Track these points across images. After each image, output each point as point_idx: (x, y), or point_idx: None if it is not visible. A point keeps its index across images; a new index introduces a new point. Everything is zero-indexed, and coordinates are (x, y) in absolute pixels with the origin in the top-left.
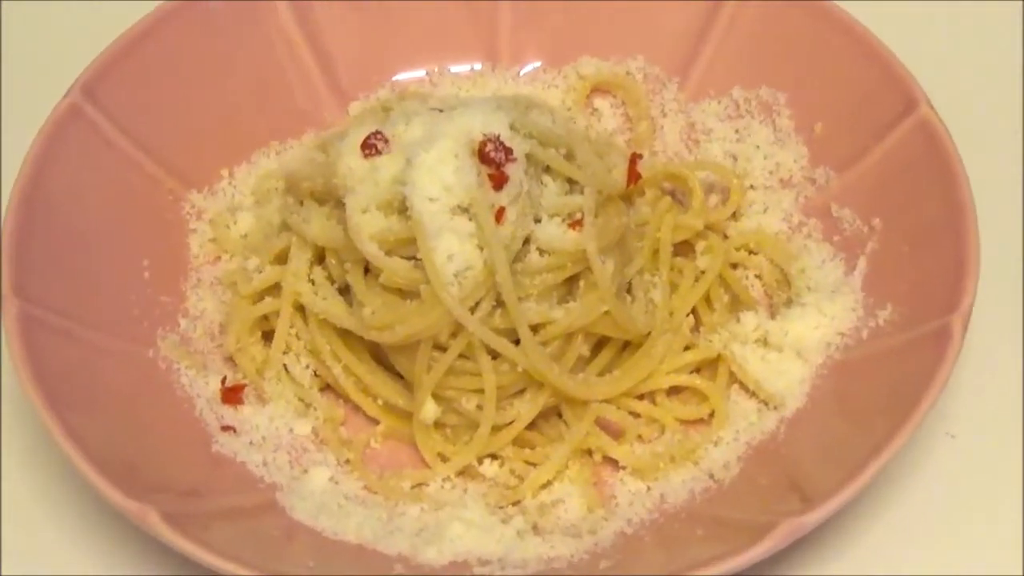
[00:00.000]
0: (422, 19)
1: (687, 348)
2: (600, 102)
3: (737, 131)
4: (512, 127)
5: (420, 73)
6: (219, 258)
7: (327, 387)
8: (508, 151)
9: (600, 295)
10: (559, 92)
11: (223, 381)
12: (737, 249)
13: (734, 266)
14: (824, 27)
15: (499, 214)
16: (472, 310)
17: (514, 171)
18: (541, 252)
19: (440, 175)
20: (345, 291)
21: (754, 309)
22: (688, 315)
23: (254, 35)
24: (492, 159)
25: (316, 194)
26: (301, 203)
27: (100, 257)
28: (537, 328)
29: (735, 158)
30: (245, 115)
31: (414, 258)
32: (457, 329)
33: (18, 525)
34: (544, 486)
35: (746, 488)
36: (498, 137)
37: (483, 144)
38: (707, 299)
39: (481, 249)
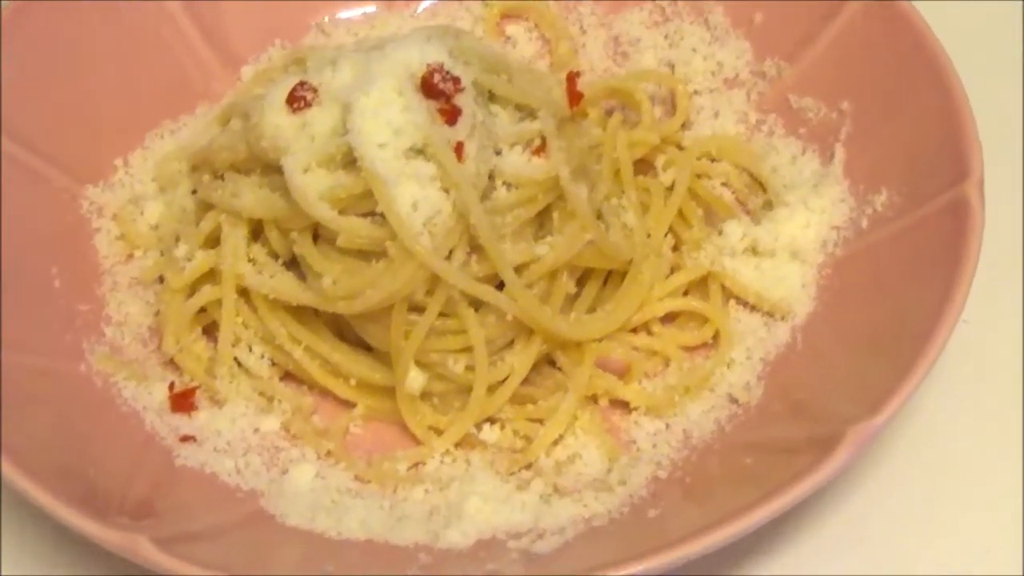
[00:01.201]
0: None
1: (673, 271)
2: (513, 28)
3: (667, 36)
4: (451, 55)
5: (308, 28)
6: (131, 255)
7: (289, 375)
8: (456, 80)
9: (581, 223)
10: (466, 24)
11: (170, 388)
12: (698, 159)
13: (698, 177)
14: None
15: (458, 150)
16: (447, 260)
17: (465, 102)
18: (508, 186)
19: (386, 117)
20: (292, 265)
21: (736, 217)
22: (666, 235)
23: (127, 9)
24: (440, 91)
25: (238, 165)
26: (221, 177)
27: (3, 272)
28: (520, 269)
29: (672, 66)
30: (130, 96)
31: (372, 214)
32: (433, 285)
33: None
34: (556, 442)
35: (780, 407)
36: (442, 66)
37: (428, 76)
38: (682, 215)
39: (447, 191)
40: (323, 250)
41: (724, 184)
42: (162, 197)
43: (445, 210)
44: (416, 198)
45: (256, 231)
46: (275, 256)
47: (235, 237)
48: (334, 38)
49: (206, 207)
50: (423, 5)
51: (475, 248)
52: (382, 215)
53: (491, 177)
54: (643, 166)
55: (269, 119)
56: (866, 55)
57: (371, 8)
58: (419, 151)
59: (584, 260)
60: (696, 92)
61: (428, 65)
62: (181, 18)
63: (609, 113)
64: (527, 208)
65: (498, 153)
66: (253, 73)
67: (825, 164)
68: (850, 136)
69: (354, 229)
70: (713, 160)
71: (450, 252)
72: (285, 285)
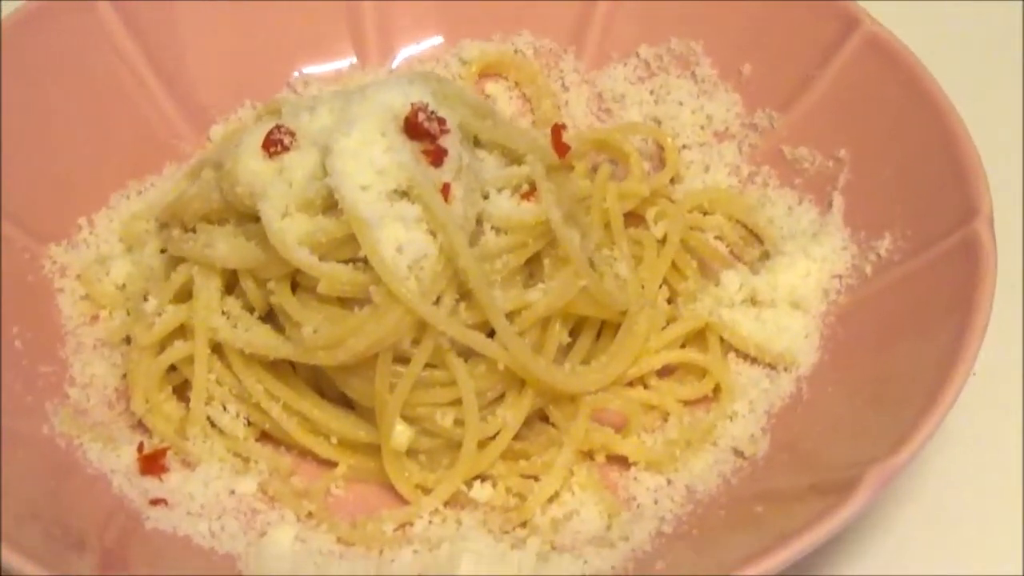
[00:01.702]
0: (275, 25)
1: (669, 323)
2: (493, 87)
3: (653, 92)
4: (434, 97)
5: (279, 86)
6: (96, 316)
7: (266, 435)
8: (441, 121)
9: (574, 268)
10: None
11: (139, 449)
12: (689, 211)
13: (691, 229)
14: None
15: (444, 192)
16: (435, 306)
17: (451, 143)
18: (497, 231)
19: (368, 158)
20: (268, 319)
21: (733, 268)
22: (660, 287)
23: (93, 67)
24: (425, 131)
25: (211, 215)
26: (192, 231)
27: None
28: (510, 318)
29: (658, 121)
30: (95, 156)
31: (354, 260)
32: (420, 333)
33: None
34: (551, 499)
35: (788, 457)
36: (427, 106)
37: (412, 116)
38: (676, 267)
39: (434, 234)
40: (302, 299)
41: (718, 237)
42: (129, 256)
43: (432, 253)
44: (401, 241)
45: (230, 284)
46: (250, 309)
47: (208, 289)
48: (308, 94)
49: (175, 264)
50: (396, 61)
51: (464, 294)
52: (365, 261)
53: (479, 222)
54: (633, 219)
55: (244, 164)
56: (861, 99)
57: (344, 64)
58: (403, 193)
59: (578, 308)
60: (685, 146)
61: (412, 104)
62: (146, 75)
63: (594, 169)
64: (517, 254)
65: (485, 197)
66: (223, 132)
67: (823, 213)
68: (849, 183)
69: (336, 275)
70: (705, 213)
71: (438, 298)
72: (261, 338)
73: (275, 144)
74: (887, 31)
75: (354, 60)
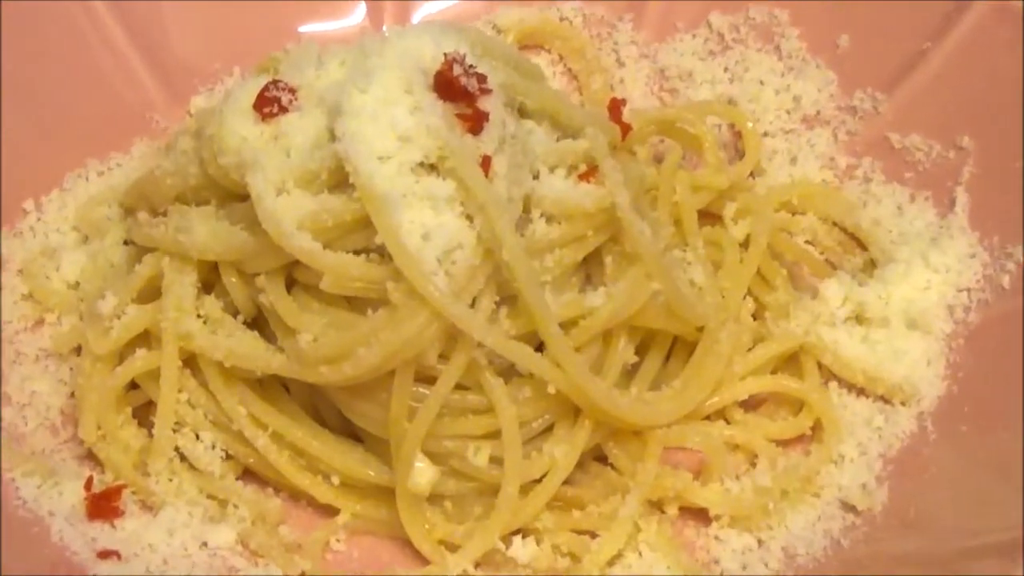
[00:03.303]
0: None
1: (756, 343)
2: (534, 60)
3: (727, 69)
4: (472, 48)
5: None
6: (41, 320)
7: (249, 472)
8: (481, 77)
9: (646, 269)
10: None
11: (87, 487)
12: (775, 210)
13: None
14: None
15: (484, 166)
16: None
17: (493, 106)
18: (549, 219)
19: (389, 120)
20: (256, 324)
21: (832, 276)
22: (744, 298)
23: (47, 22)
24: (462, 89)
25: (187, 194)
26: (162, 214)
27: None
28: (565, 327)
29: (734, 103)
30: (48, 127)
31: (368, 250)
32: (449, 344)
33: None
34: (612, 561)
35: (914, 513)
36: (464, 57)
37: (445, 69)
38: (762, 275)
39: (470, 219)
40: (300, 299)
41: (809, 242)
42: (84, 248)
43: (468, 243)
44: (428, 226)
45: (208, 280)
46: (233, 312)
47: (181, 286)
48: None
49: (140, 252)
50: (415, 21)
51: (506, 297)
52: (382, 251)
53: (526, 207)
54: (707, 218)
55: (231, 128)
56: (987, 76)
57: (354, 23)
58: (432, 166)
59: (648, 319)
60: (767, 133)
61: (445, 55)
62: (116, 36)
63: (658, 158)
64: (573, 249)
65: (535, 177)
66: (206, 105)
67: (944, 213)
68: (974, 177)
69: (344, 268)
70: (794, 213)
71: (473, 300)
72: (246, 348)
73: (270, 103)
74: None
75: (364, 20)
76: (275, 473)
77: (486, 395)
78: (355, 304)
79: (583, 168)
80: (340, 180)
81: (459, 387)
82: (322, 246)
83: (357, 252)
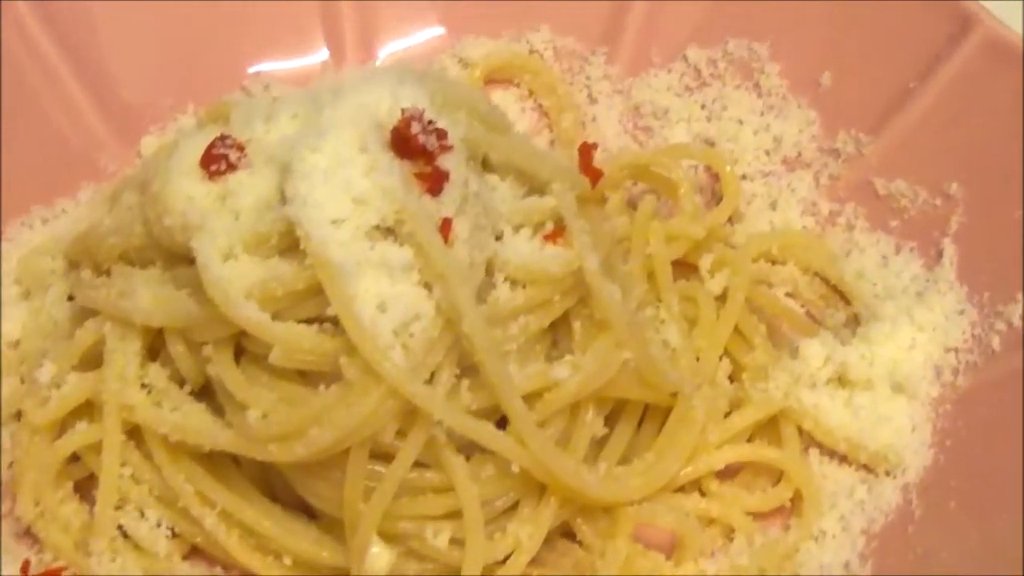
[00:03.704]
0: (228, 12)
1: (733, 407)
2: (501, 96)
3: (704, 106)
4: (432, 102)
5: (231, 87)
6: None
7: (197, 551)
8: (441, 133)
9: (616, 337)
10: None
11: (23, 569)
12: (754, 260)
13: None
14: None
15: (444, 230)
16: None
17: (454, 164)
18: (513, 284)
19: (342, 181)
20: (205, 394)
21: (815, 335)
22: (721, 358)
23: None
24: (420, 147)
25: (131, 254)
26: (107, 273)
27: None
28: (531, 400)
29: (712, 143)
30: None
31: (321, 319)
32: (407, 422)
33: None
34: None
35: None
36: (422, 113)
37: (402, 126)
38: (740, 332)
39: (428, 288)
40: (249, 371)
41: (790, 294)
42: (25, 304)
43: (426, 314)
44: (384, 296)
45: (155, 345)
46: (180, 382)
47: (123, 354)
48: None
49: (85, 314)
50: (380, 60)
51: (467, 369)
52: (335, 321)
53: (489, 271)
54: (683, 269)
55: (176, 187)
56: (978, 119)
57: (314, 61)
58: (389, 230)
59: (619, 389)
60: (746, 176)
61: (403, 111)
62: (60, 73)
63: (633, 204)
64: (539, 315)
65: (498, 238)
66: (157, 146)
67: (931, 266)
68: (963, 227)
69: (295, 340)
70: (774, 262)
71: (432, 374)
72: (193, 422)
73: (217, 160)
74: (1013, 32)
75: (327, 57)
76: (223, 553)
77: (446, 474)
78: (308, 377)
79: (550, 227)
80: (291, 244)
81: (418, 464)
82: (272, 316)
83: (309, 321)
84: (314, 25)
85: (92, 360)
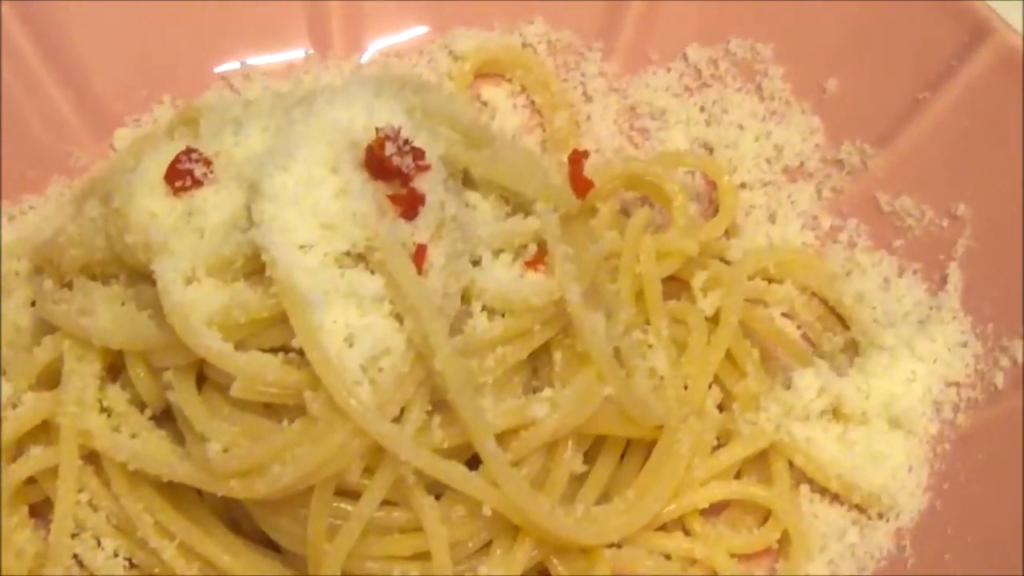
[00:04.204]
0: (208, 8)
1: (720, 440)
2: (491, 92)
3: (704, 108)
4: (410, 116)
5: (211, 79)
6: None
7: None
8: (418, 153)
9: (596, 371)
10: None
11: None
12: (750, 278)
13: (751, 303)
14: None
15: (418, 257)
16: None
17: (431, 186)
18: (491, 313)
19: (313, 205)
20: (167, 419)
21: (809, 365)
22: (710, 386)
23: None
24: (394, 168)
25: (93, 267)
26: (68, 286)
27: None
28: (505, 438)
29: (710, 148)
30: None
31: (286, 349)
32: (375, 459)
33: None
34: None
35: None
36: (398, 132)
37: (376, 146)
38: (731, 358)
39: (399, 320)
40: (212, 401)
41: (786, 315)
42: None
43: (396, 348)
44: (353, 328)
45: (116, 365)
46: (141, 405)
47: (81, 377)
48: (246, 93)
49: (47, 328)
50: (367, 53)
51: (439, 405)
52: (301, 352)
53: (466, 298)
54: (674, 286)
55: (139, 203)
56: (990, 133)
57: (298, 54)
58: (360, 256)
59: (598, 426)
60: (745, 185)
61: (377, 130)
62: (32, 63)
63: (625, 212)
64: (518, 346)
65: (476, 263)
66: (131, 139)
67: (934, 291)
68: (970, 252)
69: (257, 372)
70: (771, 280)
71: (402, 410)
72: (152, 451)
73: (183, 176)
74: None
75: (310, 50)
76: None
77: (414, 513)
78: (273, 409)
79: (532, 252)
80: (257, 267)
81: (386, 503)
82: (235, 344)
83: (275, 350)
84: (297, 16)
85: (51, 378)
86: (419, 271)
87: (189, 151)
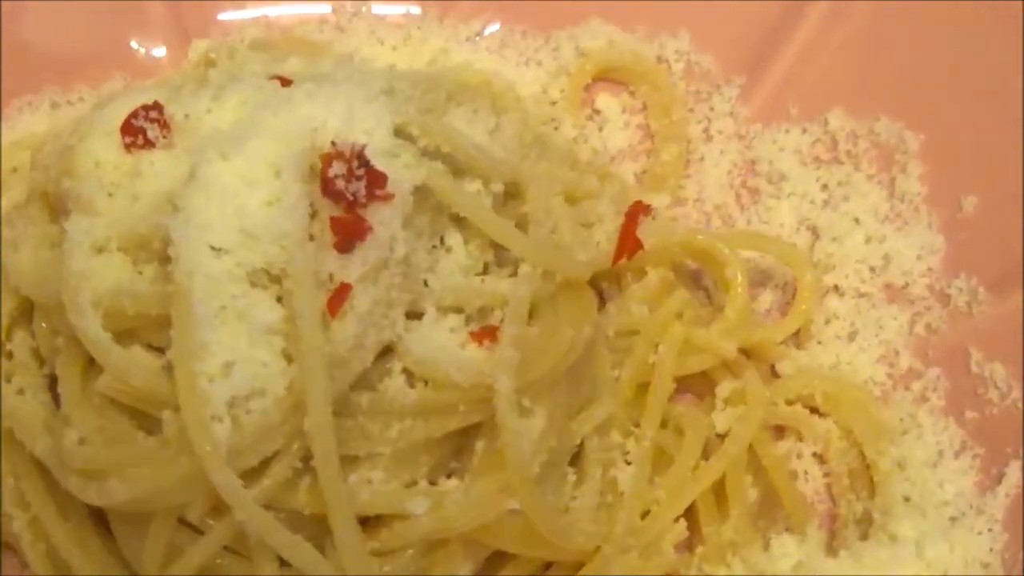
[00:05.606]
0: None
1: None
2: (606, 101)
3: (826, 185)
4: (401, 130)
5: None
6: None
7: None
8: (378, 178)
9: (509, 476)
10: (542, 73)
11: None
12: (789, 403)
13: (779, 430)
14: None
15: (336, 298)
16: (255, 473)
17: (385, 217)
18: (411, 379)
19: (239, 206)
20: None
21: (799, 532)
22: (677, 519)
23: None
24: (335, 191)
25: (51, 198)
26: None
27: None
28: (378, 525)
29: (816, 234)
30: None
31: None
32: (220, 502)
33: None
34: None
35: None
36: (362, 149)
37: (323, 163)
38: (719, 493)
39: (289, 362)
40: (88, 385)
41: (816, 455)
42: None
43: (272, 392)
44: (235, 356)
45: (29, 310)
46: (40, 361)
47: None
48: (347, 38)
49: None
50: (489, 29)
51: (313, 466)
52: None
53: (387, 354)
54: (698, 384)
55: (90, 146)
56: None
57: (416, 8)
58: (274, 278)
59: (498, 539)
60: (837, 289)
61: (333, 144)
62: None
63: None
64: (431, 422)
65: (418, 316)
66: (207, 47)
67: (984, 488)
68: None
69: (126, 371)
70: (813, 410)
71: (269, 459)
72: (27, 414)
73: (135, 133)
74: None
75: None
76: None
77: (254, 566)
78: (135, 414)
79: (498, 316)
80: (167, 257)
81: (228, 550)
82: (121, 334)
83: (157, 349)
84: None
85: None
86: (333, 313)
87: (150, 107)
